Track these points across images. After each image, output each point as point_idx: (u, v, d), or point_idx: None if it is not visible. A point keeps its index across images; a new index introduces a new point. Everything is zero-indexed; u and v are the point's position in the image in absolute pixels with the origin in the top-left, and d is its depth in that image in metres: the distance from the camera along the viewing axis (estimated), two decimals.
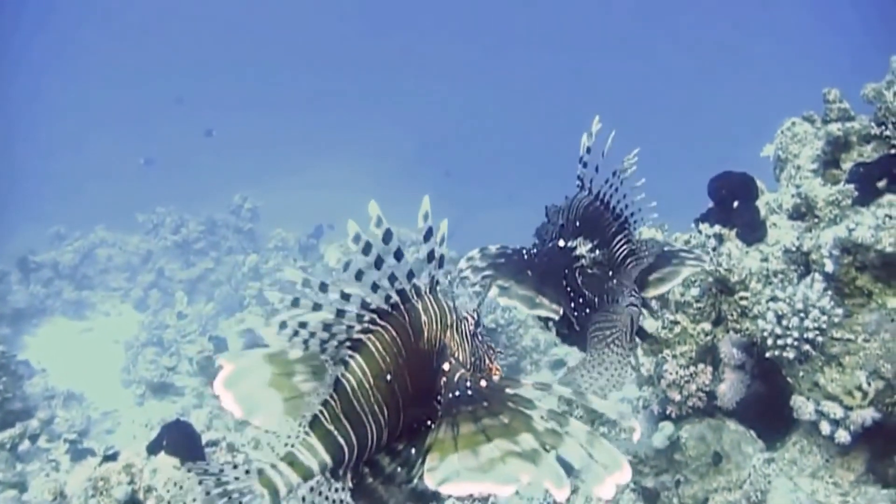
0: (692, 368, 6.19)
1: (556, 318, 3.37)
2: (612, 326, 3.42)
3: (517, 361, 10.74)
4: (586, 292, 3.48)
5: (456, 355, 2.40)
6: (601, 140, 3.44)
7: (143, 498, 5.40)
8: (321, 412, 2.20)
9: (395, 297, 2.27)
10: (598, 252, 3.44)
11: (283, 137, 40.20)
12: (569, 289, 3.49)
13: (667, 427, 6.27)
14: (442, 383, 2.36)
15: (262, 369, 2.22)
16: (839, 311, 5.27)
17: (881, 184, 5.55)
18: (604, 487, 1.89)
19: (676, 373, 6.20)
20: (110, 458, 5.67)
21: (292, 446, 2.16)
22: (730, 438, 6.16)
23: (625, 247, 3.47)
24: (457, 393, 2.30)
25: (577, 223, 3.52)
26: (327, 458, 2.18)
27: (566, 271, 3.47)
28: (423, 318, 2.33)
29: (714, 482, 6.11)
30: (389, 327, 2.27)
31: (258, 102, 46.61)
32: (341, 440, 2.20)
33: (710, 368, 6.20)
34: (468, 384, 2.32)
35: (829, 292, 5.31)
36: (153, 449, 5.65)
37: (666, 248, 3.73)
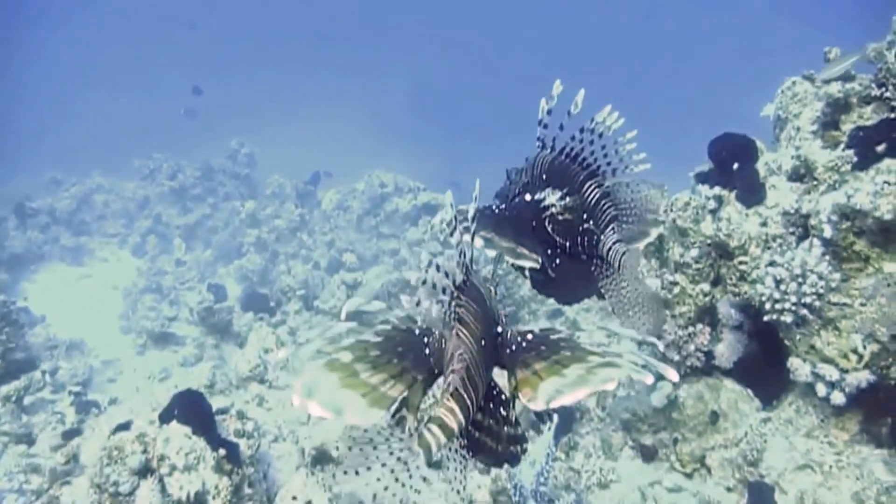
0: (691, 329, 6.29)
1: (536, 266, 3.45)
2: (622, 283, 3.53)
3: (515, 311, 10.83)
4: (558, 239, 3.55)
5: (501, 318, 2.70)
6: (567, 101, 3.41)
7: (156, 466, 5.52)
8: None
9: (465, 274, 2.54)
10: (568, 199, 3.49)
11: (276, 87, 40.00)
12: (540, 239, 3.57)
13: (665, 386, 6.38)
14: (498, 342, 2.62)
15: (328, 378, 2.32)
16: (836, 275, 5.34)
17: (880, 148, 5.55)
18: (670, 373, 2.24)
19: (675, 333, 6.30)
20: (123, 427, 5.77)
21: (437, 410, 2.38)
22: (727, 397, 6.28)
23: (597, 190, 3.51)
24: (514, 347, 2.58)
25: (544, 177, 3.58)
26: (462, 420, 2.39)
27: (534, 223, 3.54)
28: (481, 288, 2.60)
29: (711, 440, 6.24)
30: (470, 299, 2.52)
31: (251, 54, 46.38)
32: (469, 403, 2.41)
33: (708, 329, 6.30)
34: (519, 338, 2.60)
35: (827, 257, 5.37)
36: (165, 418, 5.75)
37: (621, 202, 3.75)
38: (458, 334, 2.46)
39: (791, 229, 5.85)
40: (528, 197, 3.57)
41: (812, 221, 5.63)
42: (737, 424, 6.18)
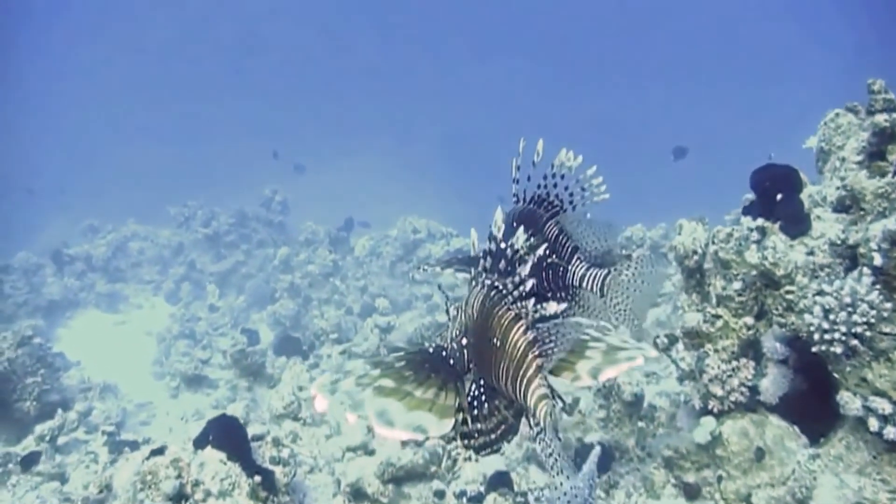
0: (734, 363, 6.15)
1: None
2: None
3: None
4: None
5: None
6: (530, 154, 3.82)
7: (190, 492, 5.43)
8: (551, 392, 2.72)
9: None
10: (532, 239, 3.68)
11: (308, 141, 40.63)
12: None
13: (708, 422, 6.22)
14: None
15: (392, 404, 2.52)
16: (888, 305, 5.17)
17: None
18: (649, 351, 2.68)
19: (718, 367, 6.15)
20: (158, 452, 5.70)
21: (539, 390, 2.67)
22: (772, 434, 6.10)
23: (555, 228, 3.89)
24: None
25: (514, 224, 3.85)
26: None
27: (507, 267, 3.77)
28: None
29: (757, 478, 6.05)
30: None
31: (282, 98, 47.14)
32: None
33: (752, 363, 6.15)
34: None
35: (878, 286, 5.22)
36: (200, 443, 5.68)
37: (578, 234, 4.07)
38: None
39: (838, 260, 5.71)
40: (502, 245, 3.80)
41: (861, 250, 5.49)
42: (783, 462, 5.98)
